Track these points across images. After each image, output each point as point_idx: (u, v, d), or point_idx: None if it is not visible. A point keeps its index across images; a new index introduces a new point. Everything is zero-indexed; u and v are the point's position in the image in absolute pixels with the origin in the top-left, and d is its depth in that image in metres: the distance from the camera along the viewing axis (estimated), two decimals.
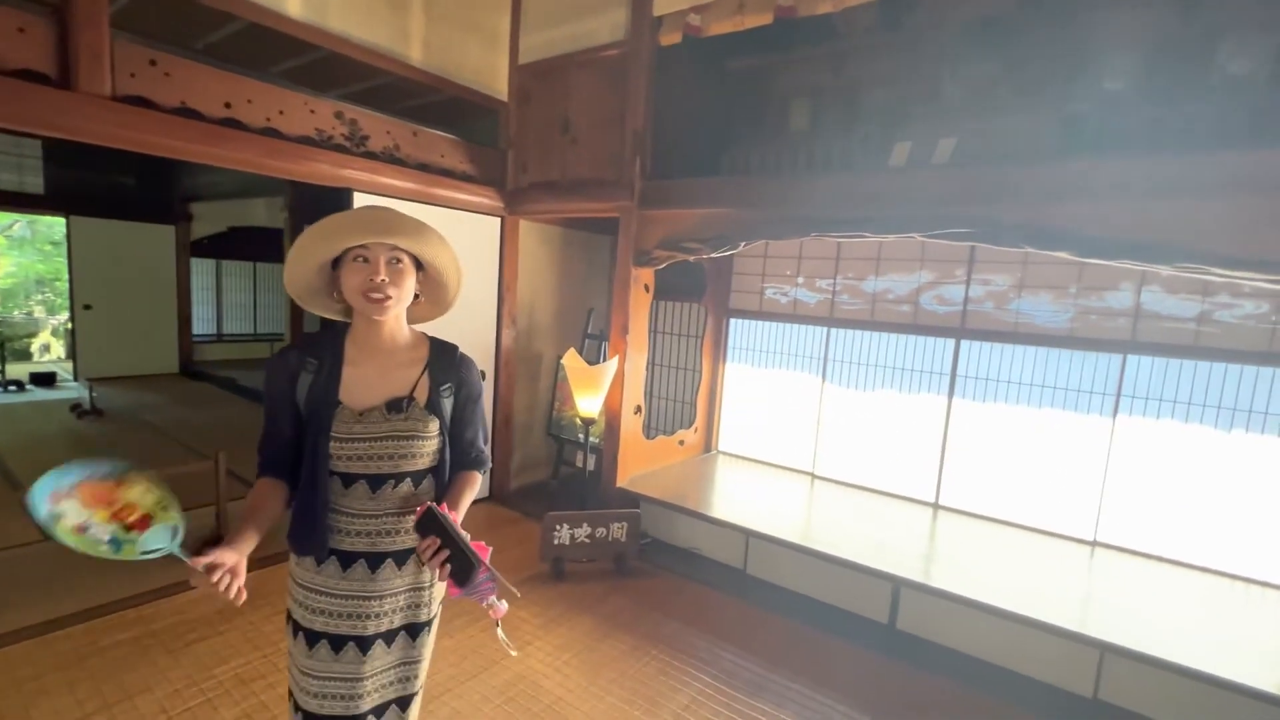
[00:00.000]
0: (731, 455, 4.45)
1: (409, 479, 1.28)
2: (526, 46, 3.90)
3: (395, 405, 1.26)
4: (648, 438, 3.89)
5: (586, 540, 3.26)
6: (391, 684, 1.34)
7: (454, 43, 3.62)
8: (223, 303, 8.93)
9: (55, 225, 11.14)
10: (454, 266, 1.31)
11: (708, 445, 4.49)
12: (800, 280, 4.08)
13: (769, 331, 4.28)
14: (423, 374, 1.30)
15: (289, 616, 1.31)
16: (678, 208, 3.30)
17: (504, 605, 1.20)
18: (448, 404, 1.32)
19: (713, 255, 3.17)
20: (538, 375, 4.52)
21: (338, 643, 1.26)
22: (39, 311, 12.01)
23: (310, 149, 2.99)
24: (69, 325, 11.45)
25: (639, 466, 3.81)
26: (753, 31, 3.12)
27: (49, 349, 11.65)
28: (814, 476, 4.06)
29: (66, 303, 11.73)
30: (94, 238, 7.20)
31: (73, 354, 7.40)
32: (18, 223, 11.40)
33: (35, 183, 6.81)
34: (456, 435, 1.35)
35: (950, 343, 3.52)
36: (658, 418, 4.61)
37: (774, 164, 3.45)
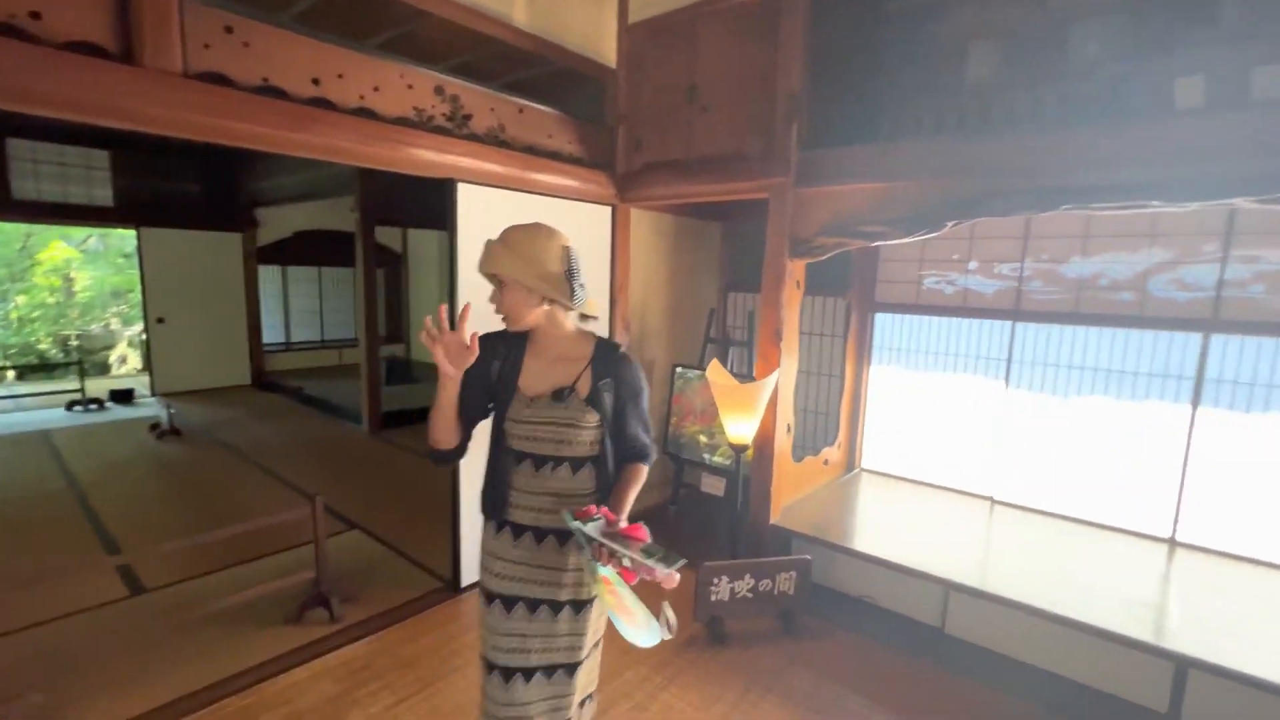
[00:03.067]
0: (878, 474, 3.79)
1: (568, 463, 1.42)
2: (639, 1, 3.29)
3: (559, 394, 1.40)
4: (795, 460, 3.27)
5: (749, 594, 2.68)
6: (560, 650, 1.44)
7: (559, 1, 3.05)
8: (290, 310, 8.71)
9: (126, 238, 11.24)
10: (518, 270, 1.35)
11: (850, 463, 3.85)
12: (973, 266, 3.37)
13: (927, 328, 3.59)
14: (585, 370, 1.43)
15: (479, 583, 1.50)
16: (851, 182, 2.65)
17: (675, 575, 1.19)
18: (608, 399, 1.42)
19: (904, 240, 2.51)
20: (650, 385, 3.95)
21: (509, 602, 1.43)
22: (115, 324, 12.20)
23: (408, 132, 2.47)
24: (143, 337, 11.62)
25: (788, 495, 3.20)
26: None
27: (125, 360, 11.82)
28: (994, 502, 3.37)
29: (140, 315, 11.93)
30: (164, 249, 7.02)
31: (149, 369, 7.27)
32: (91, 237, 11.56)
33: (104, 195, 6.64)
34: (619, 429, 1.45)
35: (1195, 338, 2.77)
36: (800, 434, 3.98)
37: (977, 122, 2.73)
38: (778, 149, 2.80)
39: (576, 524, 1.24)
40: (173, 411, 5.68)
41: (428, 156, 2.54)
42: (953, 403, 3.51)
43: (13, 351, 10.86)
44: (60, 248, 11.05)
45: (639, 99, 3.36)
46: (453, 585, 2.95)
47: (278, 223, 7.90)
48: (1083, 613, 2.26)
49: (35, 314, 11.24)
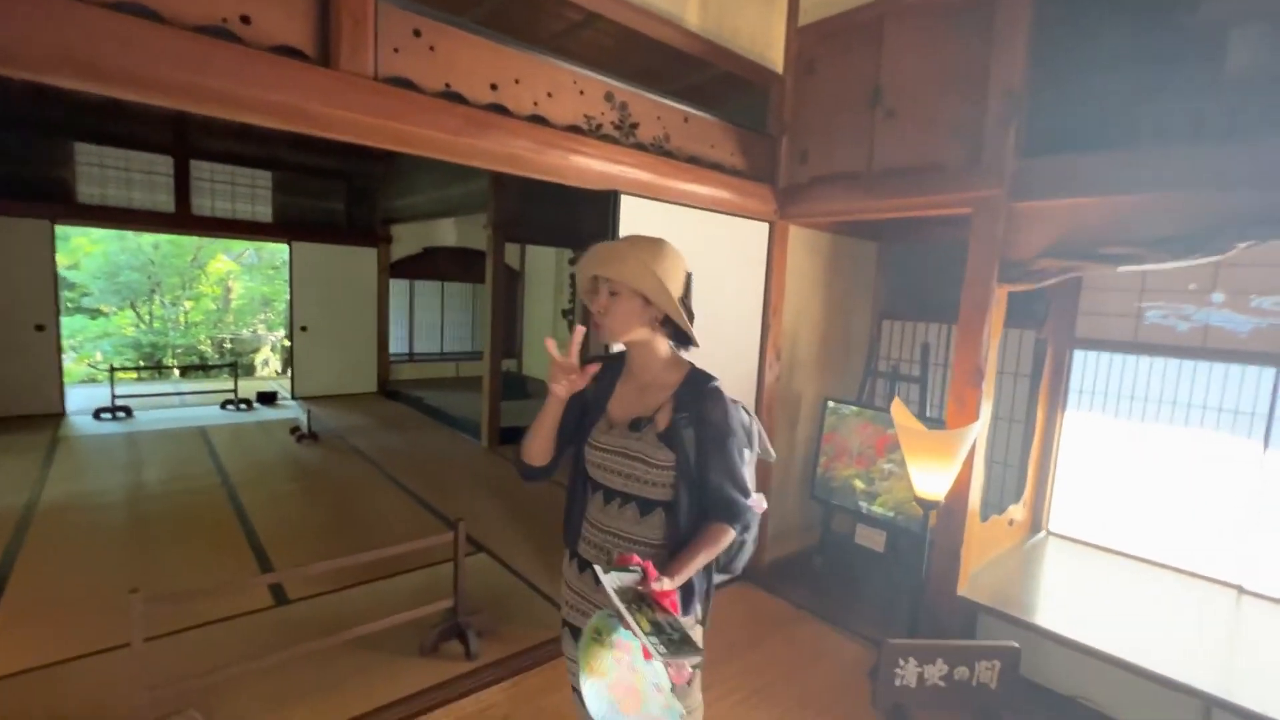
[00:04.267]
0: (1071, 540, 3.20)
1: (635, 503, 1.29)
2: (811, 2, 3.02)
3: (636, 424, 1.28)
4: (982, 519, 2.79)
5: (940, 682, 2.23)
6: None
7: (729, 2, 2.84)
8: (414, 323, 9.10)
9: (276, 252, 12.36)
10: (647, 283, 1.22)
11: (1035, 524, 3.28)
12: (1218, 298, 2.76)
13: (1146, 370, 2.99)
14: (668, 400, 1.29)
15: None
16: (1088, 195, 2.21)
17: (687, 668, 1.11)
18: (688, 437, 1.25)
19: (1165, 265, 2.04)
20: (796, 421, 3.59)
21: (574, 631, 1.37)
22: (261, 329, 13.42)
23: (577, 139, 2.32)
24: (285, 343, 12.63)
25: (973, 561, 2.72)
26: None
27: (268, 363, 12.93)
28: (1242, 591, 2.70)
29: (282, 321, 13.02)
30: (310, 262, 7.51)
31: (290, 373, 7.77)
32: (247, 251, 12.82)
33: (265, 212, 7.22)
34: (700, 477, 1.26)
35: None
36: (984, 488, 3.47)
37: (1253, 121, 2.21)
38: (987, 157, 2.40)
39: (599, 570, 1.06)
40: (310, 416, 5.97)
41: (595, 166, 2.37)
42: (1181, 463, 2.89)
43: (179, 351, 12.17)
44: (223, 260, 12.31)
45: (806, 106, 3.06)
46: None
47: (409, 239, 8.30)
48: None
49: (199, 319, 12.56)
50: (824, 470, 3.48)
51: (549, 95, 2.25)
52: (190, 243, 11.55)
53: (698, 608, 1.31)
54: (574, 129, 2.33)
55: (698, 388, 1.28)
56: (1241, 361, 2.71)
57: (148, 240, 11.26)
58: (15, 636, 2.50)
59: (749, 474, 1.33)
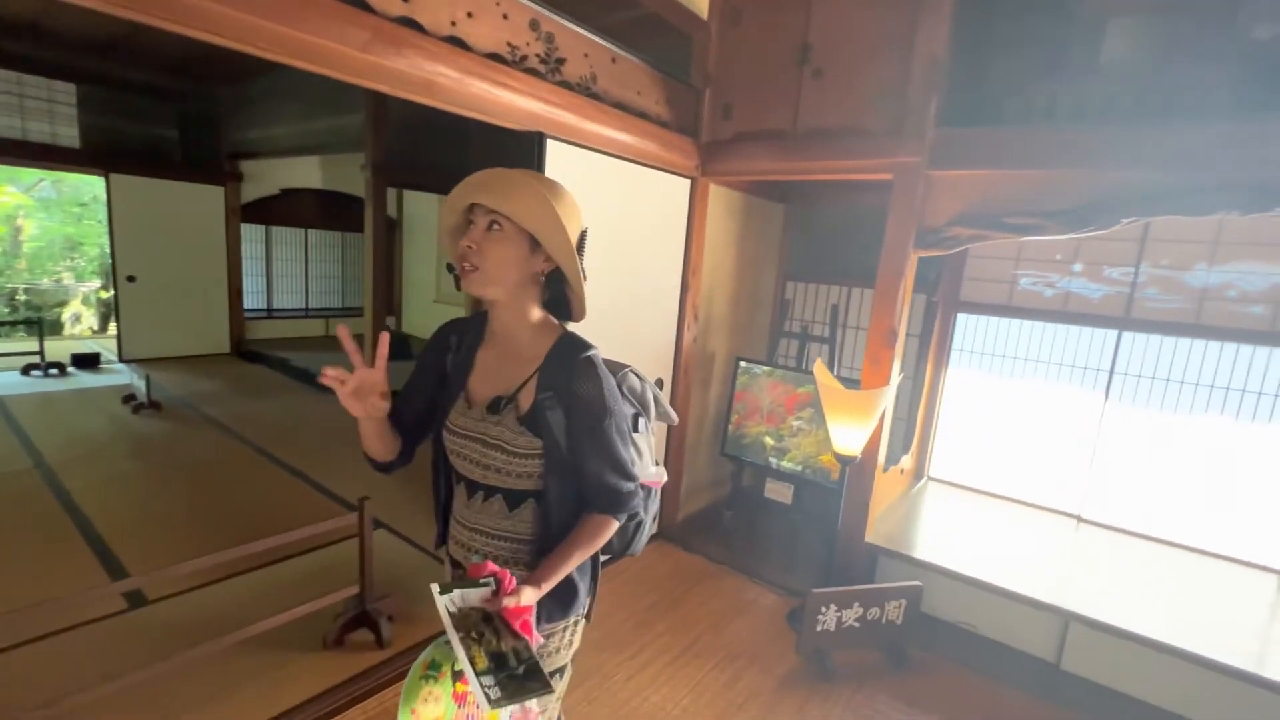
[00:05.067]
0: (947, 484, 3.57)
1: (501, 495, 1.09)
2: None
3: (495, 404, 1.07)
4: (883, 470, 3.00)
5: (855, 624, 2.40)
6: None
7: None
8: (272, 274, 8.04)
9: (84, 185, 10.30)
10: (547, 223, 0.99)
11: (919, 472, 3.60)
12: (1078, 268, 3.12)
13: (1017, 332, 3.34)
14: (534, 375, 1.07)
15: None
16: (1001, 167, 2.34)
17: (534, 711, 0.96)
18: (556, 419, 1.04)
19: (1063, 236, 2.23)
20: (709, 380, 3.62)
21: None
22: (67, 278, 11.23)
23: (501, 70, 2.05)
24: (102, 294, 10.71)
25: (875, 509, 2.93)
26: None
27: (80, 319, 10.92)
28: (1080, 520, 3.17)
29: (97, 270, 10.98)
30: (136, 199, 6.30)
31: (117, 332, 6.57)
32: (42, 182, 10.54)
33: (70, 135, 5.90)
34: (577, 465, 1.07)
35: None
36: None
37: (1130, 107, 2.44)
38: (910, 123, 2.47)
39: (435, 589, 0.87)
40: (149, 382, 5.09)
41: (520, 104, 2.13)
42: (1040, 413, 3.29)
43: None
44: (8, 192, 10.04)
45: (731, 59, 2.97)
46: None
47: (263, 178, 7.23)
48: (1237, 658, 2.06)
49: None
50: (735, 428, 3.56)
51: (469, 15, 1.96)
52: None
53: (581, 605, 1.16)
54: (496, 57, 2.06)
55: (568, 359, 1.06)
56: (1091, 325, 3.10)
57: None
58: None
59: (645, 446, 1.20)
